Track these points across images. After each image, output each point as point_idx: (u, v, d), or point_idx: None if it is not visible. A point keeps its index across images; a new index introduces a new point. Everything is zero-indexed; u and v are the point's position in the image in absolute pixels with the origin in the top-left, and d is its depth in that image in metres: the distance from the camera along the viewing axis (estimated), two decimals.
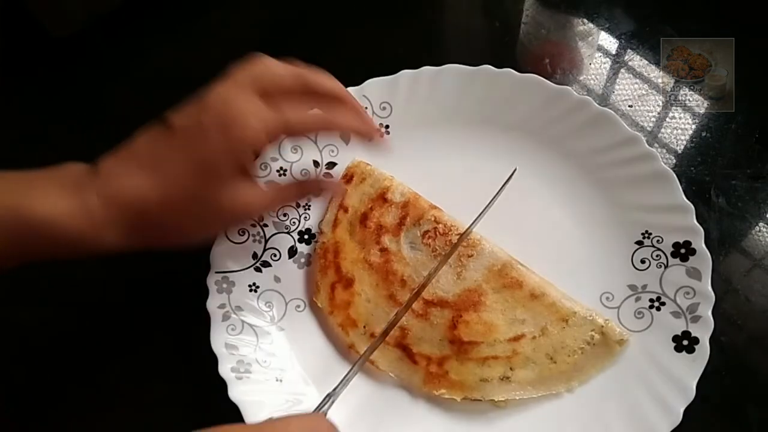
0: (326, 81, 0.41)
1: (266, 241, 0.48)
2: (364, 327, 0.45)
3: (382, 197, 0.49)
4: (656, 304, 0.44)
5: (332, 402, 0.39)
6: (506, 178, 0.47)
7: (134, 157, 0.38)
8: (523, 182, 0.50)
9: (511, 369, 0.43)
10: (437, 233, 0.47)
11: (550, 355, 0.43)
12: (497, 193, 0.46)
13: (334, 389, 0.39)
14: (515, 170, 0.46)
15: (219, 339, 0.44)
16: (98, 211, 0.36)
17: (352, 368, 0.41)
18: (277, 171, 0.50)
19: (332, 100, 0.41)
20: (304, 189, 0.45)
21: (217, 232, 0.44)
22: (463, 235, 0.46)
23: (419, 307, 0.45)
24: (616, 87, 0.57)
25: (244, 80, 0.38)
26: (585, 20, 0.61)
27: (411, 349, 0.44)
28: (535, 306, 0.44)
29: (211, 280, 0.46)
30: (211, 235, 0.44)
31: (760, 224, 0.50)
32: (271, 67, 0.39)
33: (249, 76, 0.38)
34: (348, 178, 0.50)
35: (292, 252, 0.49)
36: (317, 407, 0.39)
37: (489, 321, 0.44)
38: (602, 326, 0.43)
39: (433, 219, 0.47)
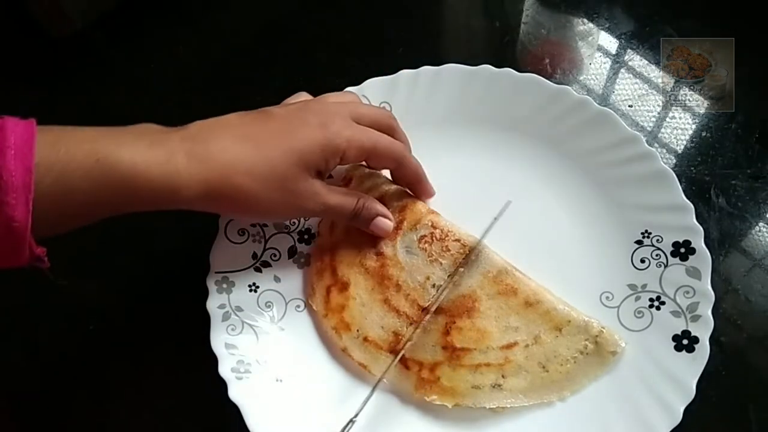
0: (369, 111, 0.46)
1: (266, 241, 0.48)
2: (358, 331, 0.45)
3: (379, 200, 0.49)
4: (656, 303, 0.44)
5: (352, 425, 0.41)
6: (501, 208, 0.48)
7: (227, 127, 0.39)
8: (522, 182, 0.50)
9: (503, 377, 0.43)
10: (434, 238, 0.47)
11: (542, 364, 0.43)
12: (491, 225, 0.47)
13: (356, 414, 0.42)
14: (509, 202, 0.47)
15: (219, 339, 0.44)
16: (183, 166, 0.36)
17: (372, 391, 0.43)
18: None
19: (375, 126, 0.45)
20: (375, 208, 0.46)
21: (283, 218, 0.46)
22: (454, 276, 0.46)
23: (413, 313, 0.45)
24: (616, 87, 0.57)
25: (342, 107, 0.43)
26: (585, 20, 0.61)
27: (404, 355, 0.44)
28: (529, 314, 0.44)
29: (211, 280, 0.46)
30: (278, 218, 0.46)
31: (760, 224, 0.50)
32: (362, 105, 0.46)
33: (347, 102, 0.45)
34: (347, 180, 0.50)
35: (292, 252, 0.49)
36: None
37: (482, 328, 0.44)
38: (596, 336, 0.43)
39: (430, 224, 0.47)
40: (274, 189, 0.39)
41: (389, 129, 0.45)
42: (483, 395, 0.42)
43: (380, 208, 0.46)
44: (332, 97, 0.46)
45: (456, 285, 0.46)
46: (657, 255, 0.45)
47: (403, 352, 0.44)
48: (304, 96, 0.47)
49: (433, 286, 0.45)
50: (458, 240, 0.47)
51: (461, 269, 0.46)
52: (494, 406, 0.42)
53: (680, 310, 0.43)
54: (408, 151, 0.46)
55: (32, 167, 0.32)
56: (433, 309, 0.45)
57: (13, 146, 0.32)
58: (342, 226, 0.48)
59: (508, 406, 0.42)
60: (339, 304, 0.46)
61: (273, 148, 0.39)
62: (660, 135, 0.54)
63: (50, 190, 0.33)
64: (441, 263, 0.46)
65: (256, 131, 0.39)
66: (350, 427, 0.41)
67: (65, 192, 0.34)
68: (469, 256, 0.46)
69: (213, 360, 0.43)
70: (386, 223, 0.46)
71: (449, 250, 0.46)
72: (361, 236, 0.48)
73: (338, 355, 0.45)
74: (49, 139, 0.33)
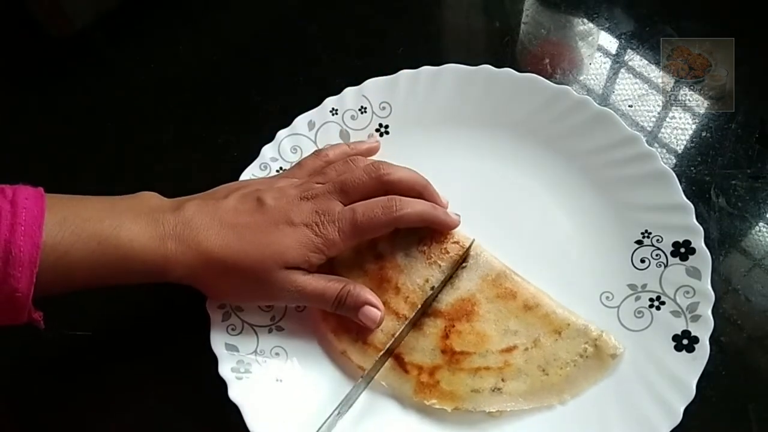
0: (402, 174, 0.45)
1: None
2: (357, 333, 0.45)
3: None
4: (656, 303, 0.44)
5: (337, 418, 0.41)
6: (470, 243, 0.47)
7: (219, 213, 0.42)
8: (522, 182, 0.50)
9: (502, 380, 0.43)
10: (433, 240, 0.47)
11: (542, 367, 0.43)
12: (450, 275, 0.46)
13: (338, 407, 0.41)
14: (473, 241, 0.46)
15: (219, 339, 0.44)
16: (172, 252, 0.40)
17: (353, 388, 0.42)
18: (277, 171, 0.50)
19: (408, 192, 0.45)
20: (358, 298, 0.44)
21: (261, 303, 0.46)
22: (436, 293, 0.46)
23: (412, 316, 0.45)
24: (616, 87, 0.57)
25: (333, 188, 0.44)
26: (585, 20, 0.61)
27: (403, 358, 0.44)
28: (528, 317, 0.44)
29: None
30: (255, 303, 0.46)
31: (760, 224, 0.50)
32: (357, 176, 0.44)
33: (339, 183, 0.44)
34: None
35: None
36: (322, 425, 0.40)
37: (482, 331, 0.44)
38: (595, 339, 0.43)
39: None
40: (245, 280, 0.42)
41: (380, 185, 0.45)
42: (482, 399, 0.42)
43: (368, 295, 0.44)
44: (361, 161, 0.46)
45: (455, 288, 0.45)
46: (657, 255, 0.45)
47: (393, 348, 0.44)
48: (343, 146, 0.50)
49: (432, 288, 0.45)
50: (457, 242, 0.46)
51: (460, 270, 0.46)
52: (494, 410, 0.42)
53: (680, 310, 0.43)
54: (435, 211, 0.45)
55: (40, 244, 0.36)
56: (420, 304, 0.45)
57: (23, 223, 0.35)
58: None
59: (508, 409, 0.42)
60: None
61: (252, 242, 0.41)
62: (660, 135, 0.54)
63: (53, 267, 0.37)
64: (440, 265, 0.46)
65: (243, 223, 0.42)
66: (333, 420, 0.41)
67: (67, 268, 0.37)
68: (468, 258, 0.46)
69: (213, 360, 0.43)
70: (374, 312, 0.44)
71: (448, 252, 0.46)
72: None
73: (337, 357, 0.45)
74: (57, 218, 0.37)
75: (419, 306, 0.45)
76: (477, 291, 0.45)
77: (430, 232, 0.47)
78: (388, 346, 0.44)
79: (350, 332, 0.45)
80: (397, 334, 0.44)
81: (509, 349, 0.43)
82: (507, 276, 0.45)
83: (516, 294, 0.45)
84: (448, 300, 0.45)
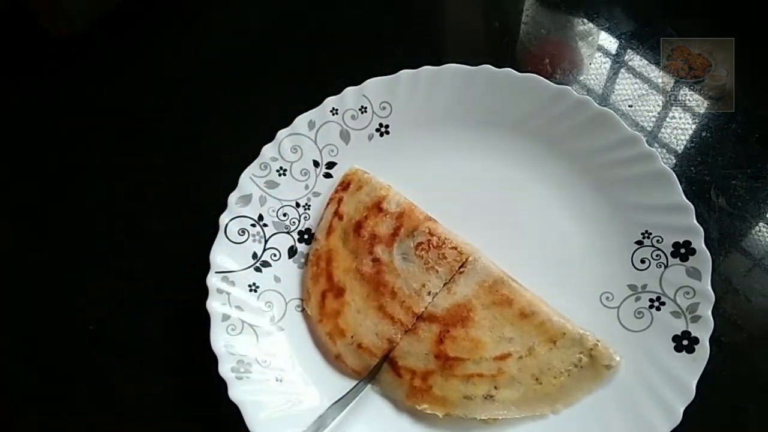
0: None
1: (266, 241, 0.48)
2: (352, 337, 0.45)
3: (377, 206, 0.49)
4: (656, 303, 0.44)
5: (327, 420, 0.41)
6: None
7: None
8: (523, 182, 0.50)
9: (495, 388, 0.43)
10: (430, 245, 0.47)
11: (535, 376, 0.43)
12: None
13: (327, 410, 0.41)
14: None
15: (219, 339, 0.44)
16: None
17: (348, 392, 0.42)
18: (277, 171, 0.50)
19: None
20: None
21: None
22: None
23: (408, 320, 0.45)
24: (616, 87, 0.57)
25: None
26: (585, 20, 0.61)
27: (396, 362, 0.44)
28: (524, 325, 0.44)
29: (211, 280, 0.46)
30: None
31: (760, 224, 0.50)
32: None
33: None
34: (345, 185, 0.50)
35: (292, 252, 0.49)
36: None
37: (476, 338, 0.44)
38: (591, 349, 0.43)
39: (427, 231, 0.47)
40: None
41: None
42: (475, 406, 0.42)
43: None
44: None
45: (451, 293, 0.45)
46: (657, 255, 0.45)
47: (391, 354, 0.44)
48: None
49: (429, 293, 0.45)
50: (455, 248, 0.46)
51: (457, 275, 0.45)
52: (486, 417, 0.42)
53: (680, 311, 0.43)
54: None
55: None
56: (420, 312, 0.45)
57: None
58: (339, 232, 0.48)
59: (500, 417, 0.42)
60: (334, 309, 0.46)
61: None
62: (660, 135, 0.54)
63: None
64: (437, 271, 0.46)
65: None
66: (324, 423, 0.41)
67: None
68: (466, 264, 0.46)
69: (213, 360, 0.43)
70: None
71: (445, 258, 0.46)
72: (358, 242, 0.47)
73: (332, 360, 0.45)
74: None
75: (415, 311, 0.45)
76: (473, 297, 0.45)
77: (428, 237, 0.47)
78: (387, 353, 0.44)
79: (346, 335, 0.45)
80: (395, 342, 0.44)
81: (503, 357, 0.43)
82: (504, 282, 0.45)
83: (512, 301, 0.45)
84: (443, 305, 0.45)
